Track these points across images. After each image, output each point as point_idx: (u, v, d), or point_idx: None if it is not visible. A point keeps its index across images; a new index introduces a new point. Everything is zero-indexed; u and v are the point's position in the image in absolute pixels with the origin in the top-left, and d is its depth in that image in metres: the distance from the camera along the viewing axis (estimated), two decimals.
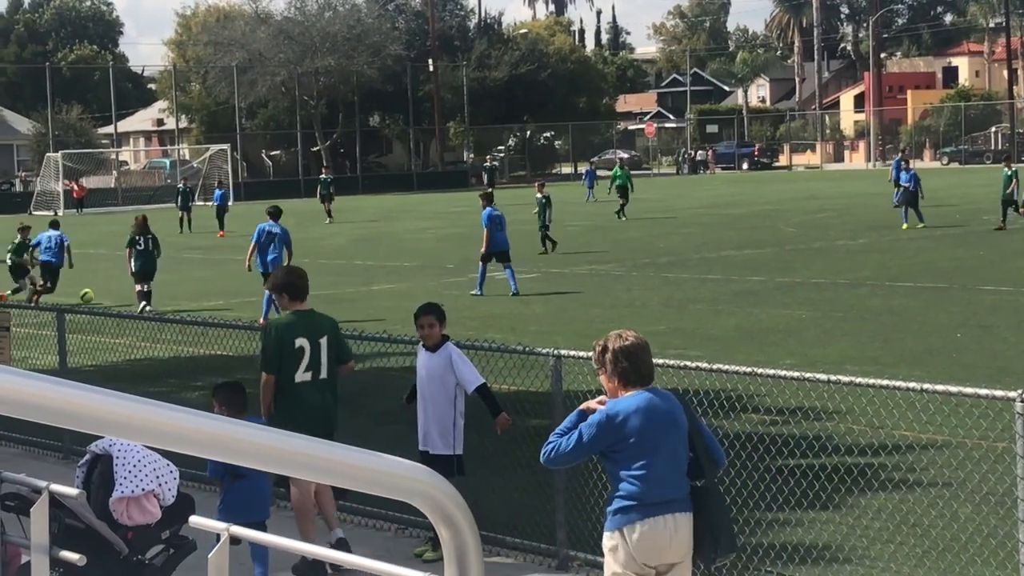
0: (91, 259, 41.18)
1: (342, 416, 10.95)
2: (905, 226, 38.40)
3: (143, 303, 26.48)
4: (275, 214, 25.78)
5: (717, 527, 7.30)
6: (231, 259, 37.13)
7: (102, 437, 7.43)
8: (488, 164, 66.86)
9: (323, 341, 10.41)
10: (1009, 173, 37.65)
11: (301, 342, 10.32)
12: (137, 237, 27.43)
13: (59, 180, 73.01)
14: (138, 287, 26.97)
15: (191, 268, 36.69)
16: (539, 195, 35.86)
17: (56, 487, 7.19)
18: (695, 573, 7.71)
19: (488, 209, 27.86)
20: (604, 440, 7.16)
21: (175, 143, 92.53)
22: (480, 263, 27.69)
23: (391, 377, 16.81)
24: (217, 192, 52.78)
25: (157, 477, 7.82)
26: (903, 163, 43.99)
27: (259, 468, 2.89)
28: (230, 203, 53.84)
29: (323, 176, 59.88)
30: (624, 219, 46.51)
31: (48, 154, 76.48)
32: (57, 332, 15.02)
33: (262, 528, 8.60)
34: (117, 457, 7.76)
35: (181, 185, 56.78)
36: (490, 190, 30.50)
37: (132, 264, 27.13)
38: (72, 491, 7.48)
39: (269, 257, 25.06)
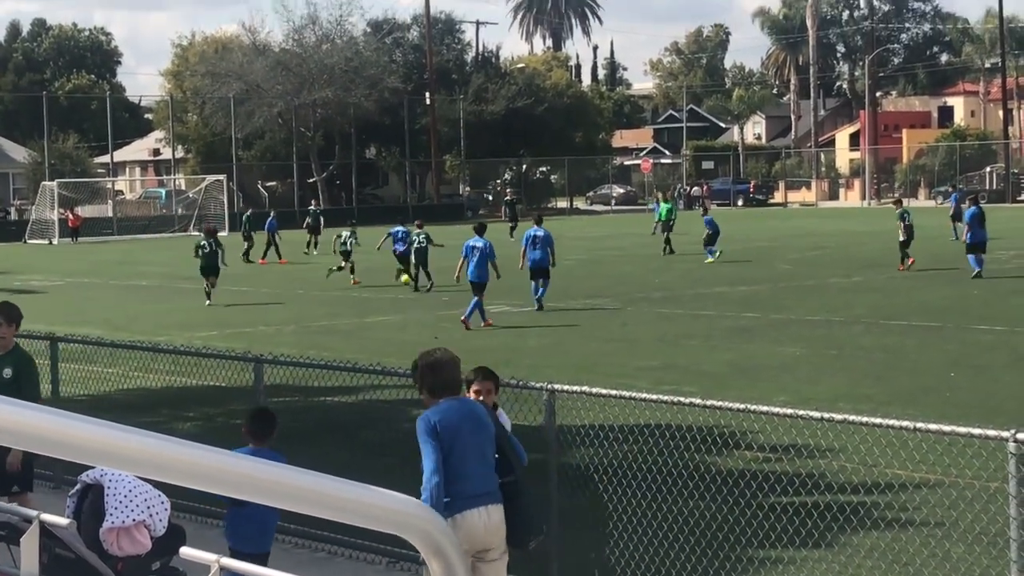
0: (85, 288, 41.16)
1: (334, 448, 10.92)
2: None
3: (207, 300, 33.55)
4: (480, 230, 29.03)
5: (524, 516, 8.42)
6: (225, 289, 37.12)
7: (93, 467, 7.41)
8: (509, 198, 66.92)
9: None
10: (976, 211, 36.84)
11: None
12: (203, 241, 35.17)
13: (54, 209, 72.98)
14: (204, 283, 34.14)
15: (184, 298, 36.64)
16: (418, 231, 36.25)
17: (47, 516, 7.17)
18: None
19: (470, 239, 28.53)
20: (436, 440, 8.07)
21: (171, 173, 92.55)
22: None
23: (385, 409, 16.80)
24: (270, 221, 51.60)
25: (148, 507, 7.79)
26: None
27: (250, 500, 2.88)
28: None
29: (312, 207, 60.00)
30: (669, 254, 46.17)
31: (44, 183, 76.46)
32: (50, 361, 14.99)
33: (262, 560, 8.54)
34: (108, 487, 7.73)
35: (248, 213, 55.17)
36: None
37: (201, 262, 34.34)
38: (63, 521, 7.45)
39: (474, 268, 27.87)
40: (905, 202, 46.83)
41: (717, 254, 43.13)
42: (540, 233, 30.34)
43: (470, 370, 9.69)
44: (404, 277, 37.48)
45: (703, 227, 44.42)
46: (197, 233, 71.41)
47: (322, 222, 56.10)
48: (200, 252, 34.91)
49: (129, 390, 19.23)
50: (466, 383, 9.45)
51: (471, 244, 28.35)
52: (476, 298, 27.50)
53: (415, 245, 36.15)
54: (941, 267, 38.23)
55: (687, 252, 46.52)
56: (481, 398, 9.48)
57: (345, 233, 40.86)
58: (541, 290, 29.99)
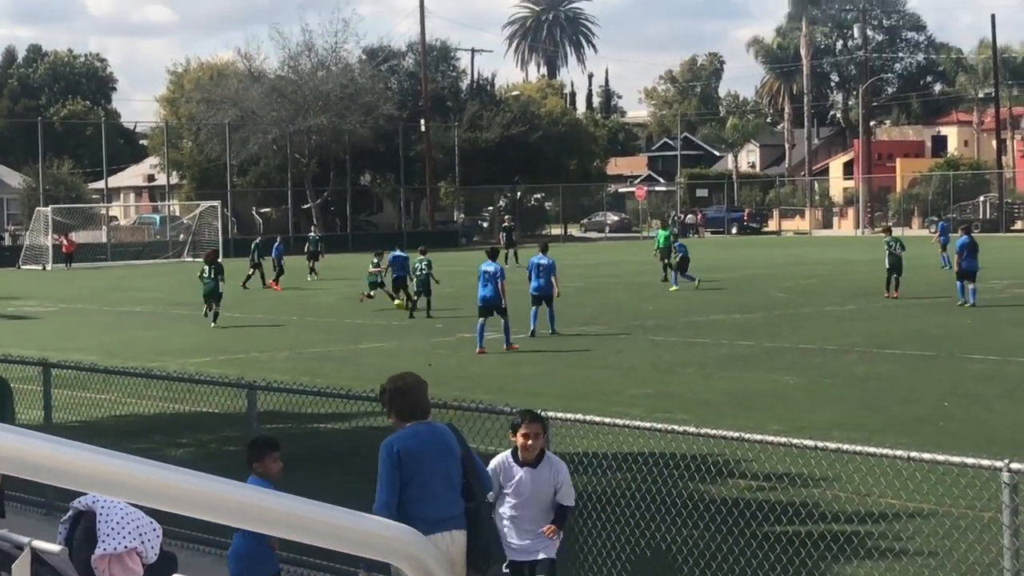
0: (79, 314, 41.11)
1: (327, 475, 10.89)
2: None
3: (212, 322, 34.91)
4: (492, 254, 29.69)
5: (487, 542, 8.44)
6: (221, 315, 37.10)
7: (86, 493, 7.39)
8: (506, 224, 66.98)
9: None
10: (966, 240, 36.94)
11: None
12: (205, 267, 36.14)
13: (48, 234, 72.94)
14: (207, 308, 35.59)
15: (178, 325, 36.62)
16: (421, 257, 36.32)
17: (38, 543, 7.14)
18: None
19: (482, 264, 28.96)
20: (396, 470, 8.17)
21: (166, 199, 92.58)
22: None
23: (378, 436, 16.73)
24: (277, 246, 51.83)
25: (140, 534, 7.75)
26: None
27: (242, 527, 2.87)
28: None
29: (311, 234, 60.03)
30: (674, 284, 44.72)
31: (38, 208, 76.43)
32: (43, 387, 14.96)
33: None
34: (100, 514, 7.70)
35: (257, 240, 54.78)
36: (495, 249, 31.49)
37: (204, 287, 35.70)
38: (54, 547, 7.42)
39: (486, 292, 28.07)
40: (898, 231, 46.84)
41: (697, 282, 43.20)
42: (545, 261, 30.56)
43: (517, 413, 9.42)
44: (397, 302, 37.96)
45: (700, 253, 44.46)
46: (191, 259, 71.62)
47: (321, 248, 56.23)
48: (202, 278, 36.09)
49: (122, 416, 19.19)
50: (512, 427, 9.21)
51: (483, 268, 28.64)
52: (481, 322, 27.86)
53: (417, 272, 36.13)
54: (935, 295, 38.25)
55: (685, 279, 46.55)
56: (529, 442, 9.07)
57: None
58: (552, 318, 30.42)
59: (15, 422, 11.40)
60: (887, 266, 38.64)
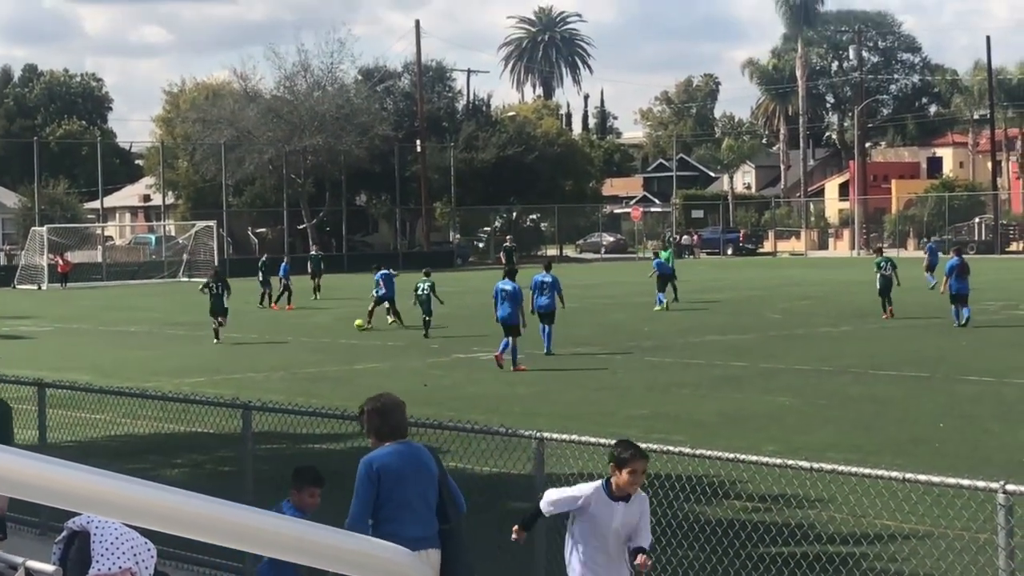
0: (74, 334, 41.08)
1: (322, 496, 10.86)
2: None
3: (215, 339, 35.79)
4: (510, 274, 30.06)
5: (461, 563, 8.48)
6: (211, 335, 37.08)
7: (80, 513, 7.37)
8: (507, 244, 67.13)
9: None
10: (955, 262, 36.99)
11: None
12: (210, 283, 37.37)
13: (44, 254, 72.92)
14: (213, 323, 36.35)
15: (173, 344, 36.60)
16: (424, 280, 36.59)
17: (32, 564, 7.12)
18: None
19: (499, 283, 29.44)
20: (372, 487, 8.22)
21: (161, 219, 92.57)
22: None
23: None
24: (284, 266, 51.52)
25: (135, 555, 7.72)
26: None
27: (239, 548, 2.87)
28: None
29: (313, 252, 60.29)
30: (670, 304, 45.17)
31: (34, 228, 76.43)
32: (37, 407, 14.94)
33: None
34: (95, 534, 7.67)
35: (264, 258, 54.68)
36: (515, 269, 31.93)
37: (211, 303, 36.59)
38: (49, 568, 7.39)
39: (503, 312, 28.53)
40: (893, 252, 46.91)
41: (664, 304, 43.71)
42: (548, 279, 30.97)
43: (619, 445, 8.60)
44: (391, 319, 38.79)
45: (696, 274, 44.52)
46: (187, 279, 71.66)
47: (322, 267, 56.42)
48: (208, 292, 37.16)
49: (117, 436, 19.15)
50: (617, 461, 8.43)
51: (500, 287, 29.03)
52: (507, 339, 28.25)
53: (419, 293, 36.28)
54: (930, 316, 38.25)
55: (682, 299, 46.61)
56: (634, 480, 8.40)
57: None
58: (549, 338, 30.69)
59: (13, 443, 11.37)
60: (878, 287, 38.76)
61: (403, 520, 8.22)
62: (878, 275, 38.80)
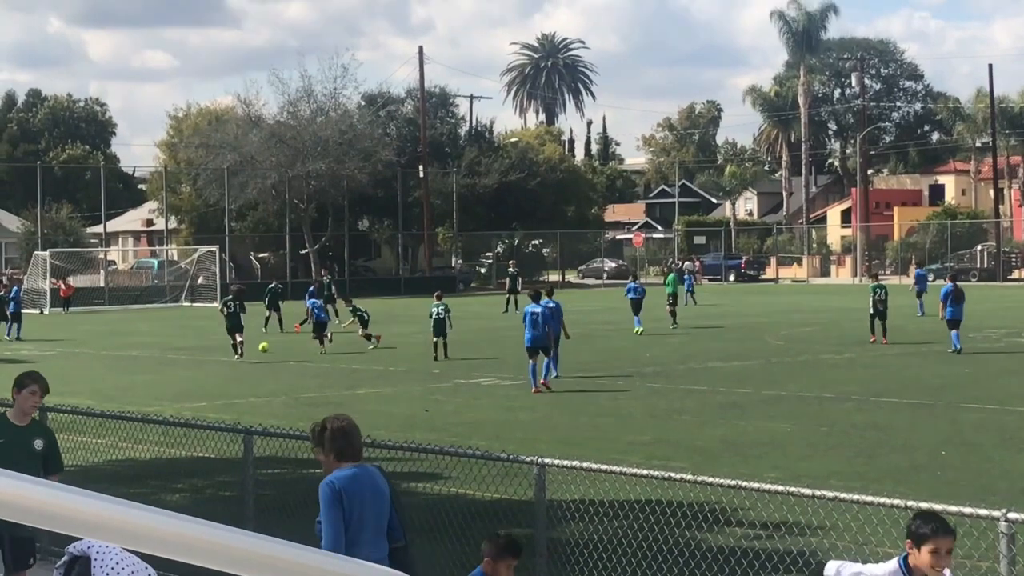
0: (76, 358, 41.07)
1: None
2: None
3: (236, 354, 37.46)
4: (536, 297, 30.72)
5: None
6: (215, 360, 37.12)
7: (81, 538, 7.36)
8: (511, 270, 67.38)
9: None
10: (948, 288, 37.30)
11: None
12: (228, 301, 39.01)
13: (46, 278, 72.96)
14: (232, 340, 37.90)
15: (175, 369, 36.59)
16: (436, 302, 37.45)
17: None
18: None
19: (528, 306, 30.22)
20: (340, 508, 8.34)
21: (164, 243, 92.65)
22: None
23: None
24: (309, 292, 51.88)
25: None
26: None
27: (230, 572, 2.86)
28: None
29: (324, 278, 60.68)
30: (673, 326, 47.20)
31: (36, 252, 76.51)
32: None
33: None
34: (95, 559, 7.67)
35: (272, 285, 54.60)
36: (539, 291, 32.20)
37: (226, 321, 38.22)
38: None
39: (535, 333, 29.05)
40: (895, 279, 46.98)
41: (639, 330, 44.36)
42: (551, 305, 31.20)
43: (921, 520, 7.50)
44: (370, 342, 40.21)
45: (698, 300, 44.52)
46: (189, 304, 71.65)
47: (335, 291, 56.37)
48: (226, 311, 38.76)
49: (118, 461, 19.13)
50: (915, 537, 7.38)
51: (530, 310, 29.61)
52: (532, 363, 28.76)
53: (433, 316, 36.82)
54: (930, 342, 38.23)
55: (685, 326, 46.64)
56: (942, 561, 7.27)
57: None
58: (547, 365, 30.66)
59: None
60: (871, 312, 39.13)
61: (361, 542, 8.33)
62: (873, 300, 39.19)
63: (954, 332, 35.67)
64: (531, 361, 28.86)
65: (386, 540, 8.59)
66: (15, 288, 55.69)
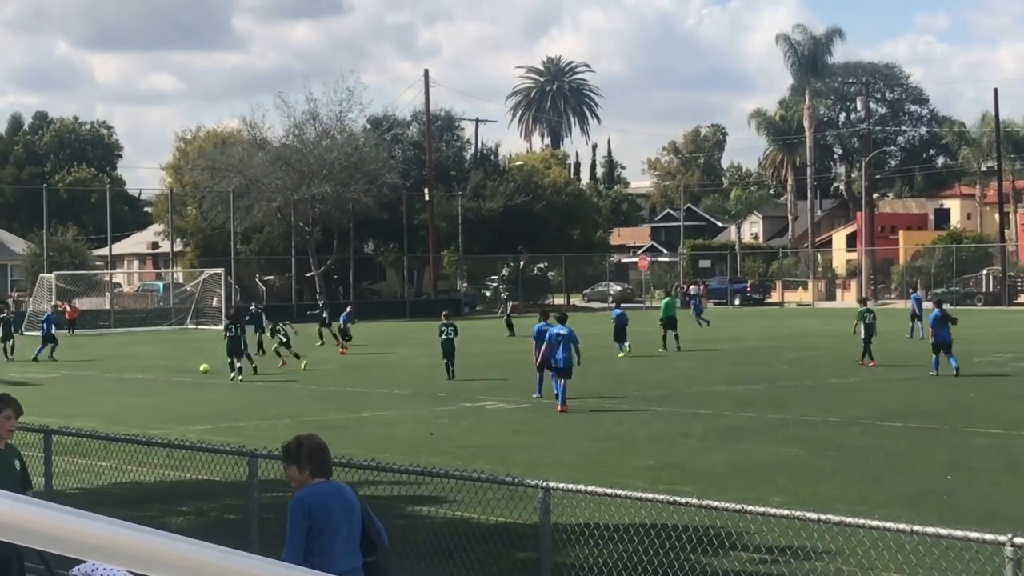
0: (81, 380, 41.08)
1: None
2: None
3: (232, 373, 38.19)
4: (562, 319, 30.93)
5: None
6: (220, 383, 37.12)
7: (85, 560, 7.36)
8: (503, 295, 67.96)
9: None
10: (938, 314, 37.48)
11: None
12: (229, 324, 40.13)
13: (52, 301, 72.99)
14: (229, 361, 38.63)
15: (180, 391, 36.58)
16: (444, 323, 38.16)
17: None
18: None
19: (553, 327, 30.65)
20: (305, 521, 8.54)
21: (169, 266, 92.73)
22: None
23: (379, 506, 16.65)
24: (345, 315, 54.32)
25: None
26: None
27: None
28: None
29: (323, 301, 61.38)
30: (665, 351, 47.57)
31: (42, 274, 76.58)
32: (44, 453, 14.92)
33: None
34: None
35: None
36: (565, 314, 32.61)
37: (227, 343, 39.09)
38: None
39: (559, 355, 29.63)
40: (900, 304, 47.12)
41: (626, 350, 45.32)
42: (564, 332, 31.46)
43: None
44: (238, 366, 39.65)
45: (697, 324, 44.58)
46: (194, 327, 71.68)
47: (327, 315, 57.25)
48: (226, 335, 39.60)
49: (122, 484, 19.12)
50: None
51: (555, 332, 30.12)
52: (562, 383, 29.32)
53: (442, 337, 37.61)
54: (931, 366, 38.14)
55: (688, 349, 46.62)
56: None
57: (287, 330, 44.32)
58: (540, 383, 31.41)
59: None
60: (863, 336, 39.99)
61: (333, 553, 8.54)
62: (861, 324, 40.40)
63: (949, 356, 36.25)
64: (562, 381, 29.37)
65: (360, 552, 8.79)
66: (47, 313, 57.30)
